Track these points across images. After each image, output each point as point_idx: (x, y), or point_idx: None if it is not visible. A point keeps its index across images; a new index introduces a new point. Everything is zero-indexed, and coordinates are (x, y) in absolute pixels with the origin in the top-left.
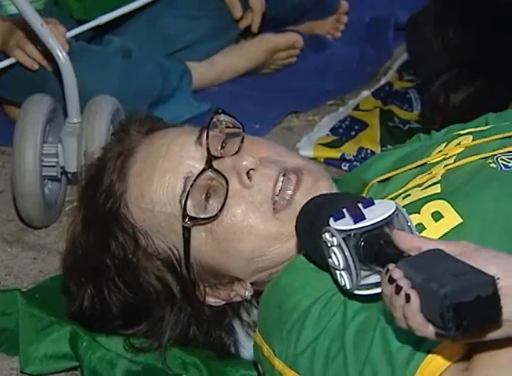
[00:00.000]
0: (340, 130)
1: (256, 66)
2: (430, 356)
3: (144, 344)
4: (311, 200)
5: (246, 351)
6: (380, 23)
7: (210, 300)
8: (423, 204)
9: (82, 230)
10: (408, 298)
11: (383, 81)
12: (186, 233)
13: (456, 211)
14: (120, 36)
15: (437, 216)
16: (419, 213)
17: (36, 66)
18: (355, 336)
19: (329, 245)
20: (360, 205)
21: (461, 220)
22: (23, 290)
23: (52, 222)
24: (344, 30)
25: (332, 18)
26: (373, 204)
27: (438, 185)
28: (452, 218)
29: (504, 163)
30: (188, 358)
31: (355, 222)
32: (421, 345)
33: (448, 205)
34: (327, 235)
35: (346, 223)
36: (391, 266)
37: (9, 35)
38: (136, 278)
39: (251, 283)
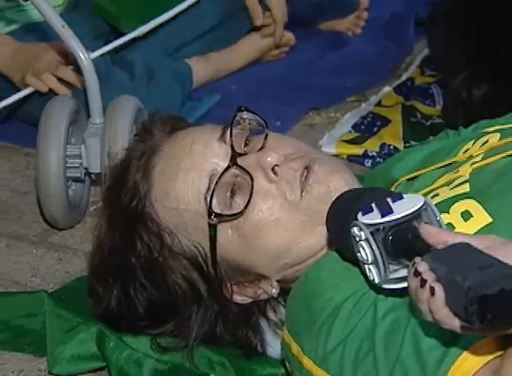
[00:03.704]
0: (363, 126)
1: (249, 63)
2: (461, 357)
3: (171, 343)
4: (341, 195)
5: (274, 349)
6: (401, 18)
7: (237, 298)
8: (452, 204)
9: (107, 231)
10: (433, 291)
11: (404, 77)
12: (212, 230)
13: (485, 210)
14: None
15: (466, 216)
16: (448, 213)
17: (46, 89)
18: (385, 336)
19: (357, 239)
20: (389, 199)
21: (491, 219)
22: (50, 291)
23: (77, 223)
24: (364, 27)
25: (352, 15)
26: (402, 198)
27: (467, 184)
28: (481, 218)
29: None
30: (215, 357)
31: (383, 216)
32: (452, 346)
33: (478, 204)
34: (355, 229)
35: (374, 217)
36: (417, 260)
37: (23, 59)
38: (162, 277)
39: (277, 281)
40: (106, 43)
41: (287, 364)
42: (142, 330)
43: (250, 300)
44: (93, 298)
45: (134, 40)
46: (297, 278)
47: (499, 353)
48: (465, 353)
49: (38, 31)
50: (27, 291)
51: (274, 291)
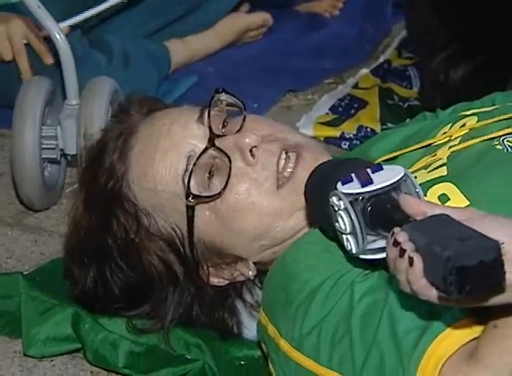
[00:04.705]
0: (340, 108)
1: (226, 45)
2: (436, 340)
3: (147, 325)
4: (320, 165)
5: (250, 331)
6: (378, 0)
7: (214, 280)
8: (430, 187)
9: (84, 211)
10: (411, 261)
11: (382, 59)
12: (190, 211)
13: (462, 193)
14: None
15: (443, 199)
16: (425, 196)
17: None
18: (361, 318)
19: (336, 209)
20: (369, 170)
21: (468, 202)
22: (25, 273)
23: (53, 205)
24: (341, 9)
25: None
26: (382, 169)
27: (444, 167)
28: (458, 201)
29: (510, 144)
30: (191, 339)
31: (363, 186)
32: (428, 329)
33: (455, 188)
34: (334, 199)
35: (353, 187)
36: (396, 230)
37: None
38: (138, 259)
39: (254, 263)
40: (79, 25)
41: (263, 346)
42: (117, 311)
43: (227, 282)
44: (69, 280)
45: (111, 19)
46: (274, 260)
47: (474, 336)
48: (440, 336)
49: (14, 12)
50: (2, 272)
51: (251, 272)
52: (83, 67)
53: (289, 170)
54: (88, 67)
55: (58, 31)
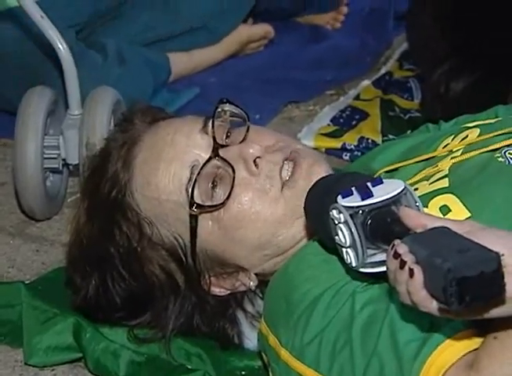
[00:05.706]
0: (341, 120)
1: (228, 56)
2: (437, 351)
3: (148, 335)
4: (320, 179)
5: (251, 341)
6: (380, 12)
7: (215, 290)
8: (432, 198)
9: (86, 220)
10: (411, 272)
11: (383, 71)
12: (193, 221)
13: (464, 205)
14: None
15: (445, 210)
16: (427, 207)
17: None
18: (362, 328)
19: (336, 222)
20: (369, 184)
21: (469, 214)
22: (26, 282)
23: (54, 214)
24: (343, 21)
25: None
26: (382, 182)
27: (446, 179)
28: (460, 212)
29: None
30: (192, 348)
31: (363, 200)
32: (429, 339)
33: (457, 199)
34: (335, 212)
35: (354, 200)
36: (396, 242)
37: None
38: (141, 268)
39: (256, 274)
40: (81, 31)
41: (264, 356)
42: (119, 321)
43: (228, 292)
44: (71, 289)
45: (111, 24)
46: (275, 271)
47: (473, 348)
48: (440, 347)
49: (14, 17)
50: (3, 281)
51: (252, 283)
52: (80, 65)
53: (287, 177)
54: (85, 65)
55: (61, 42)
